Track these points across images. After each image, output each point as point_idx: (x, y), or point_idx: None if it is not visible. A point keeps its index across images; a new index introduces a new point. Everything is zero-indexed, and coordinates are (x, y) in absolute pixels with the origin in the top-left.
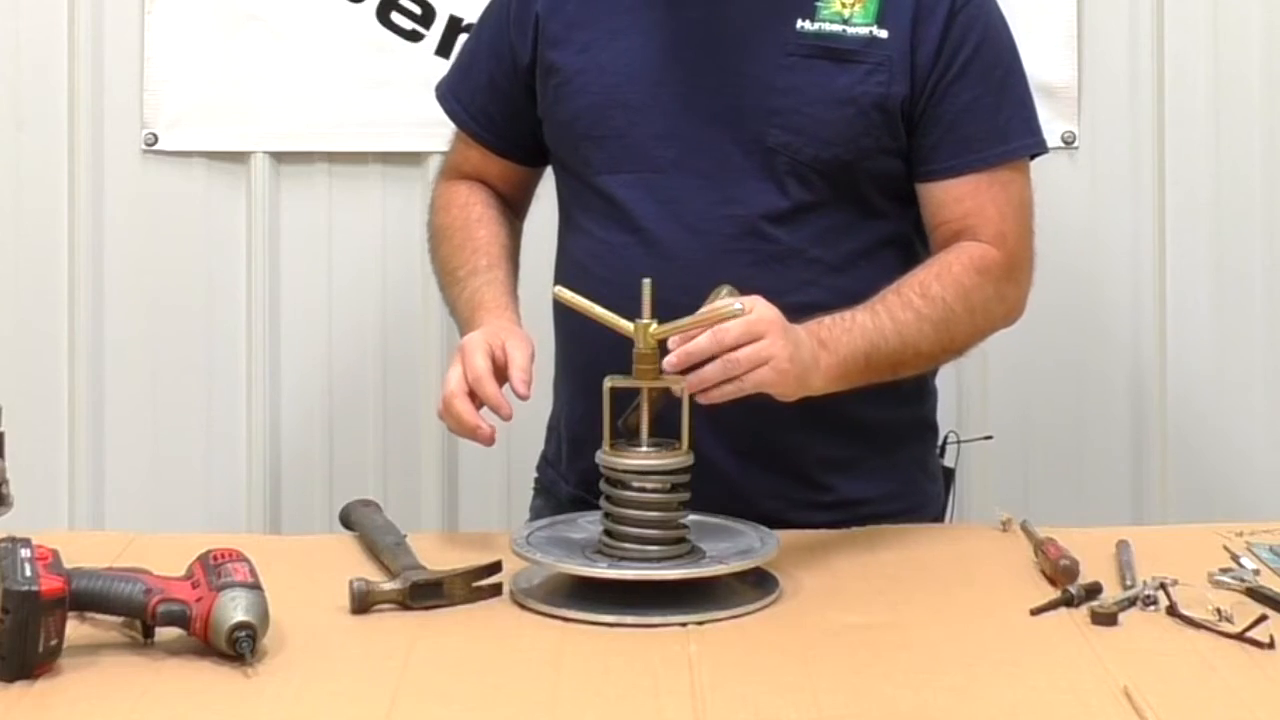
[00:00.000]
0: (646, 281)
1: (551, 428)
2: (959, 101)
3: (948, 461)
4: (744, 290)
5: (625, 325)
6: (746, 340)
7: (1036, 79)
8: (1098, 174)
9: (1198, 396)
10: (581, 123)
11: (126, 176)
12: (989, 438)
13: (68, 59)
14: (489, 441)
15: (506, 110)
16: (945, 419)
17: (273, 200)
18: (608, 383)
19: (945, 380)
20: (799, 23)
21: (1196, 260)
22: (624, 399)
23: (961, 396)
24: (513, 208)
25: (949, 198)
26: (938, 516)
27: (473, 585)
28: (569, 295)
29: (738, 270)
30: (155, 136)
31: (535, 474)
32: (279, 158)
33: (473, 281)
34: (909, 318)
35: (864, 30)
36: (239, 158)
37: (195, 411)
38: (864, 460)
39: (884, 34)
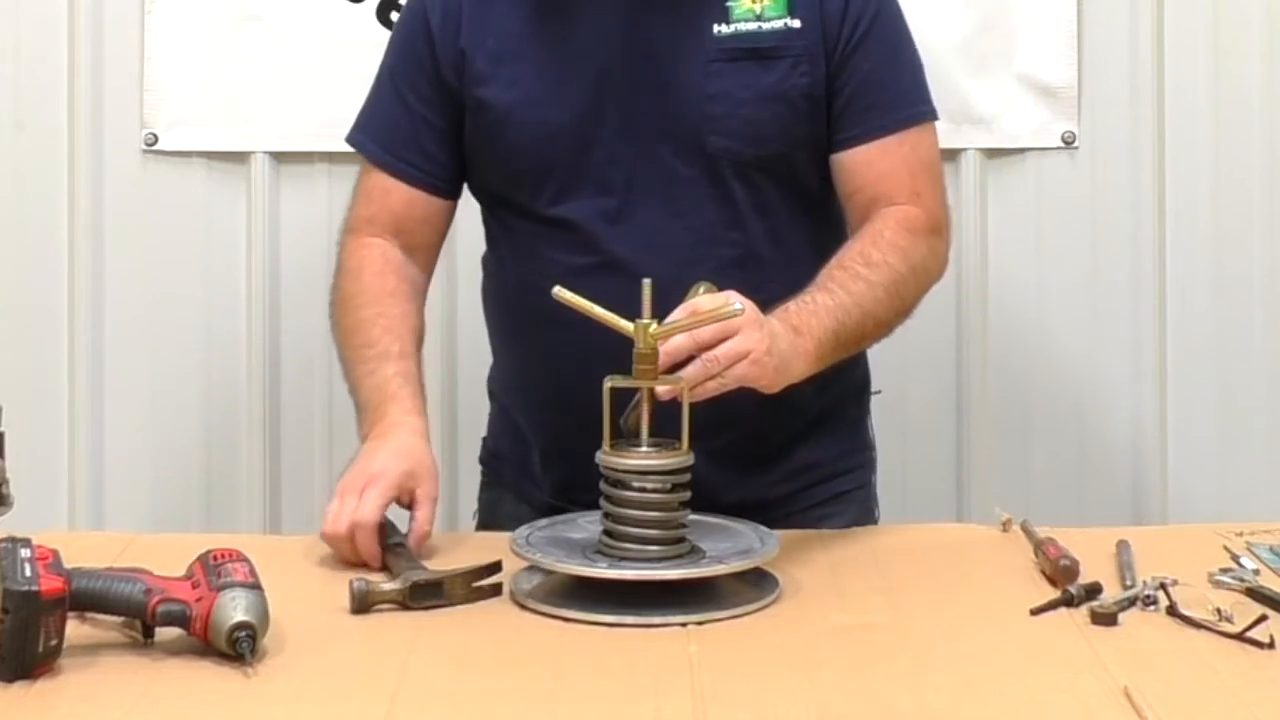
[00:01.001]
0: (646, 282)
1: (499, 426)
2: (859, 71)
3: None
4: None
5: (625, 325)
6: (723, 336)
7: (1036, 79)
8: (1098, 174)
9: (1198, 396)
10: (525, 157)
11: (126, 176)
12: (878, 392)
13: (68, 59)
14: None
15: (446, 147)
16: (946, 418)
17: (273, 200)
18: (608, 383)
19: (946, 379)
20: (715, 28)
21: (1196, 260)
22: (623, 399)
23: (961, 396)
24: (429, 255)
25: (859, 162)
26: (873, 473)
27: (473, 585)
28: (569, 295)
29: (695, 279)
30: (155, 136)
31: (480, 465)
32: (279, 158)
33: (384, 368)
34: (862, 288)
35: (778, 24)
36: (239, 158)
37: (195, 411)
38: (816, 428)
39: (797, 23)
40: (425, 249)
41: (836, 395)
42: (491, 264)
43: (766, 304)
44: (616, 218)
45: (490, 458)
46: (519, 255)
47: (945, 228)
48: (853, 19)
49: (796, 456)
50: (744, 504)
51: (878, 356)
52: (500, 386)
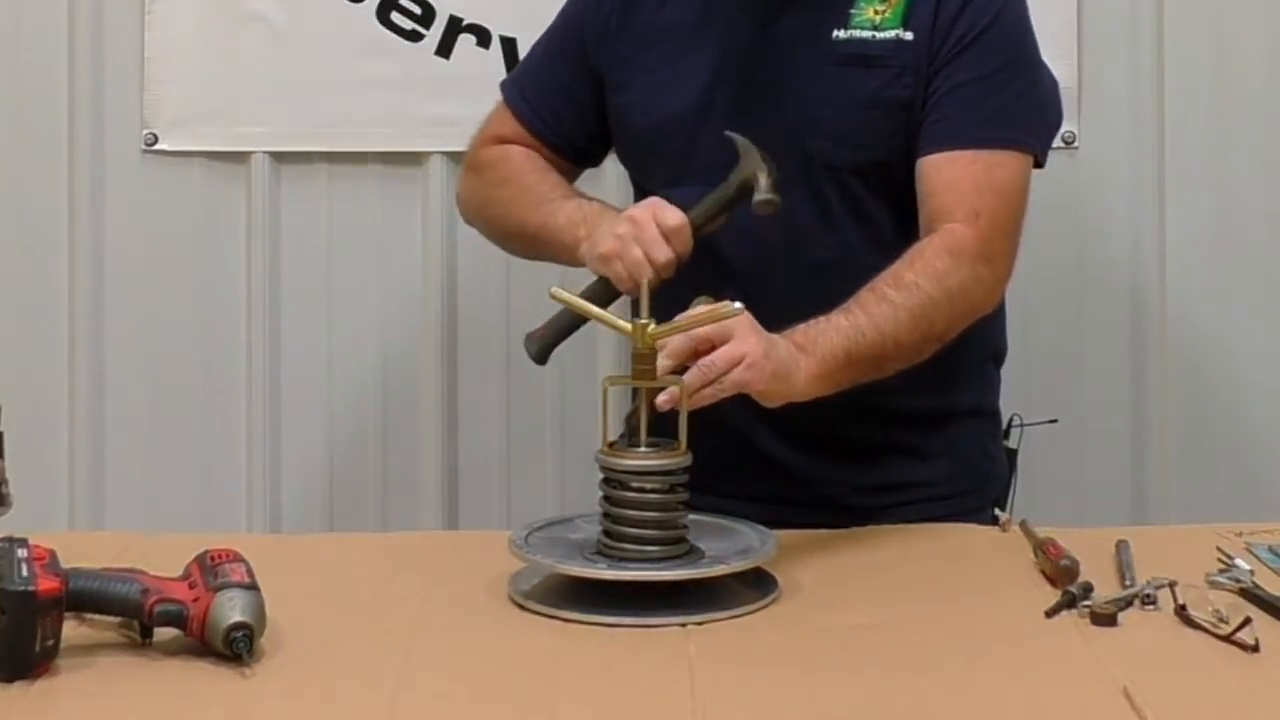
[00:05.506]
0: (644, 281)
1: None
2: (952, 81)
3: (1011, 443)
4: (797, 296)
5: (623, 325)
6: (719, 336)
7: None
8: (1098, 174)
9: (1199, 396)
10: (646, 139)
11: (126, 176)
12: (1054, 421)
13: (68, 59)
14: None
15: (576, 114)
16: None
17: (273, 200)
18: (606, 383)
19: None
20: (835, 33)
21: (1197, 260)
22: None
23: None
24: None
25: (928, 170)
26: (999, 498)
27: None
28: (565, 295)
29: (790, 279)
30: (155, 136)
31: None
32: (279, 158)
33: (576, 199)
34: (884, 310)
35: (890, 34)
36: (239, 158)
37: (195, 411)
38: (921, 445)
39: (910, 36)
40: None
41: (946, 416)
42: None
43: None
44: None
45: None
46: None
47: (1001, 257)
48: (960, 29)
49: (899, 470)
50: (844, 506)
51: None
52: None
